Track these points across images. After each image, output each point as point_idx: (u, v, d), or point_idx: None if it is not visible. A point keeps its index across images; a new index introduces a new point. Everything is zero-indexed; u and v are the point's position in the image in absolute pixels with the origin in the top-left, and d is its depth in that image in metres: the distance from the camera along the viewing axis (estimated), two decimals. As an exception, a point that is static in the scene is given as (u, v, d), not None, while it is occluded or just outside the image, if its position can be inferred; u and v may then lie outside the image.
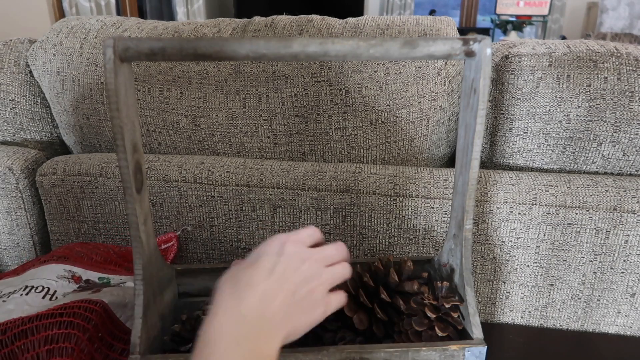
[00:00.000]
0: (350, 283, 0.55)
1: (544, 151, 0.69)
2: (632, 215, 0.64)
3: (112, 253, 0.68)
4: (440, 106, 0.70)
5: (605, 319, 0.69)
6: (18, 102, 0.81)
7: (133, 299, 0.56)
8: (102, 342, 0.51)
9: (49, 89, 0.78)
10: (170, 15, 4.42)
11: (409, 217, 0.68)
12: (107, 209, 0.73)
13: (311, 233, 0.44)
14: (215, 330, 0.37)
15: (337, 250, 0.44)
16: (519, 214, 0.66)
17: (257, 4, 4.32)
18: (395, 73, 0.68)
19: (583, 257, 0.66)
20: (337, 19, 0.74)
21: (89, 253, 0.66)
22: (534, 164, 0.71)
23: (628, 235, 0.65)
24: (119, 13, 3.94)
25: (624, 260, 0.66)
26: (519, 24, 4.44)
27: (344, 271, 0.43)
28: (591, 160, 0.69)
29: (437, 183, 0.67)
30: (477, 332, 0.47)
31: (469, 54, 0.42)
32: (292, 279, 0.40)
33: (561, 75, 0.66)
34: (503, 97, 0.69)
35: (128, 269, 0.66)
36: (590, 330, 0.70)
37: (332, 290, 0.43)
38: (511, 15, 4.41)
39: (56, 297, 0.55)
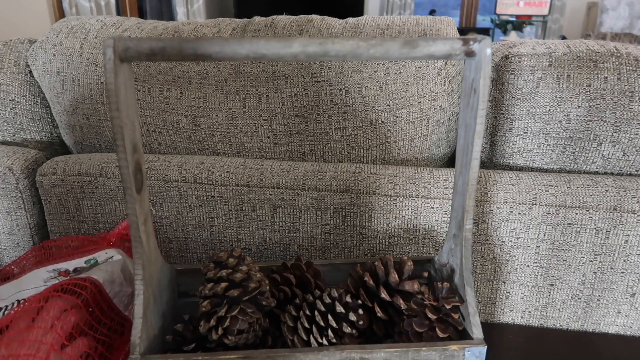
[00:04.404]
0: (350, 282, 0.55)
1: (544, 151, 0.69)
2: (632, 215, 0.64)
3: (89, 240, 0.67)
4: (440, 106, 0.70)
5: (605, 319, 0.69)
6: (18, 102, 0.81)
7: (121, 274, 0.56)
8: (92, 316, 0.51)
9: (49, 89, 0.78)
10: (170, 15, 4.43)
11: (409, 217, 0.68)
12: (107, 209, 0.73)
13: None
14: None
15: None
16: (519, 214, 0.66)
17: (257, 4, 4.32)
18: (395, 73, 0.68)
19: (583, 257, 0.67)
20: (337, 19, 0.74)
21: (65, 244, 0.65)
22: (534, 164, 0.71)
23: (628, 235, 0.65)
24: (119, 13, 3.95)
25: (624, 260, 0.66)
26: (519, 24, 4.44)
27: None
28: (591, 160, 0.69)
29: (437, 183, 0.67)
30: (477, 332, 0.47)
31: (469, 54, 0.42)
32: None
33: (561, 75, 0.66)
34: (503, 97, 0.69)
35: (111, 243, 0.66)
36: (590, 330, 0.70)
37: None
38: (511, 15, 4.42)
39: None
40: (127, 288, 0.57)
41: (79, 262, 0.60)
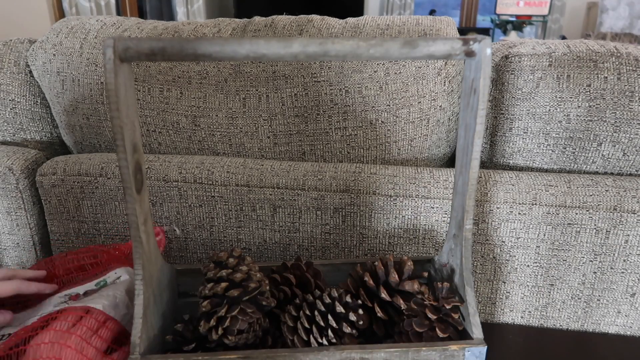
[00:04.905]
0: (350, 282, 0.55)
1: (544, 151, 0.69)
2: (632, 215, 0.64)
3: (102, 252, 0.66)
4: (440, 106, 0.70)
5: (605, 319, 0.69)
6: (18, 102, 0.81)
7: (125, 297, 0.55)
8: (94, 345, 0.50)
9: (49, 89, 0.78)
10: (170, 15, 4.42)
11: (409, 217, 0.68)
12: (107, 209, 0.73)
13: None
14: None
15: None
16: (519, 214, 0.66)
17: (257, 4, 4.32)
18: (395, 73, 0.68)
19: (583, 257, 0.66)
20: (337, 19, 0.74)
21: (76, 258, 0.64)
22: (534, 164, 0.71)
23: (628, 235, 0.65)
24: (119, 13, 3.95)
25: (624, 260, 0.66)
26: (519, 24, 4.44)
27: None
28: (591, 160, 0.69)
29: (437, 183, 0.67)
30: (477, 332, 0.47)
31: (469, 54, 0.42)
32: None
33: (561, 75, 0.66)
34: (503, 97, 0.69)
35: (120, 260, 0.65)
36: (590, 330, 0.70)
37: None
38: (511, 15, 4.42)
39: None
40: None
41: (90, 285, 0.60)
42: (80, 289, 0.59)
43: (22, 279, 0.57)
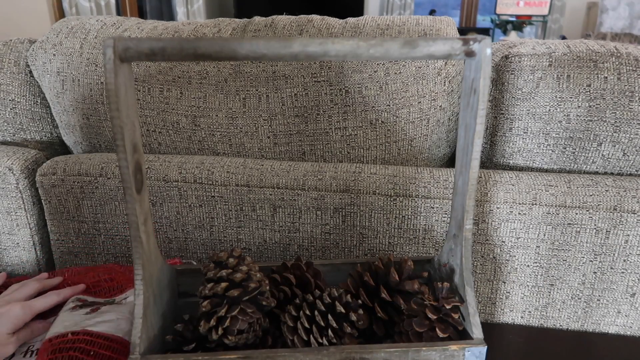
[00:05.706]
0: (350, 282, 0.55)
1: (544, 151, 0.69)
2: (632, 215, 0.64)
3: (117, 272, 0.67)
4: (440, 106, 0.70)
5: (605, 319, 0.69)
6: (18, 102, 0.81)
7: (127, 319, 0.55)
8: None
9: (49, 89, 0.78)
10: (170, 15, 4.43)
11: (409, 217, 0.68)
12: (107, 209, 0.73)
13: None
14: None
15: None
16: (519, 214, 0.66)
17: (257, 4, 4.32)
18: (395, 73, 0.68)
19: (583, 257, 0.67)
20: (337, 19, 0.74)
21: (98, 272, 0.65)
22: (534, 164, 0.71)
23: (628, 235, 0.65)
24: (119, 13, 3.95)
25: (624, 260, 0.66)
26: (519, 24, 4.44)
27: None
28: (591, 160, 0.69)
29: (437, 183, 0.67)
30: (477, 332, 0.47)
31: (469, 54, 0.42)
32: None
33: (561, 75, 0.66)
34: (503, 97, 0.69)
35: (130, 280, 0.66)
36: (590, 330, 0.70)
37: None
38: (511, 15, 4.42)
39: None
40: None
41: (99, 300, 0.61)
42: (91, 299, 0.60)
43: (49, 287, 0.59)
